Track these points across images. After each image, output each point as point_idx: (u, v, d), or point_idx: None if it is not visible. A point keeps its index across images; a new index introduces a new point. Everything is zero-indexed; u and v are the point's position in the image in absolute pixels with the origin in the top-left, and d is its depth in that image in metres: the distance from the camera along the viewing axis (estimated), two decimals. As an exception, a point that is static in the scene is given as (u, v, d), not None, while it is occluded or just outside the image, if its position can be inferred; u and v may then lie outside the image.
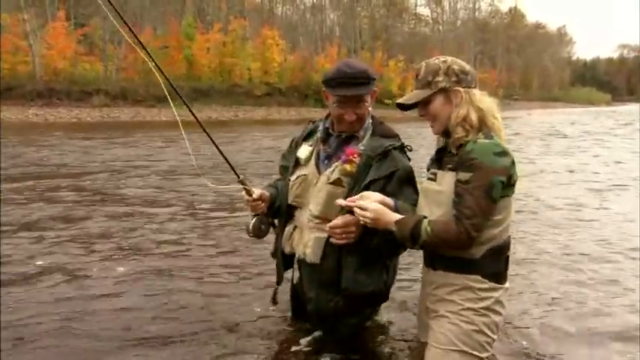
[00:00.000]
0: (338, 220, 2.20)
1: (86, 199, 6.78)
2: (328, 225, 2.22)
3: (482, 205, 1.88)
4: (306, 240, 2.42)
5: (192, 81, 37.35)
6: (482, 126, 1.98)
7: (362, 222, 2.09)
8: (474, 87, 2.03)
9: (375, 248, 2.24)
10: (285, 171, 2.64)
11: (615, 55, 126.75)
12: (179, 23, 40.94)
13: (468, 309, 1.99)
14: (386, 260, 2.42)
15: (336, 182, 2.31)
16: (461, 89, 1.99)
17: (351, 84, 2.29)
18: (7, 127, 20.13)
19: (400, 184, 2.29)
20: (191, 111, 2.53)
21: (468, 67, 2.04)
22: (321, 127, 2.53)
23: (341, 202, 2.19)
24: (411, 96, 2.07)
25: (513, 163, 1.95)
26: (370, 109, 2.44)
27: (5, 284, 3.55)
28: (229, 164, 2.57)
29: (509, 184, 1.94)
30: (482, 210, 1.88)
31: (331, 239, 2.24)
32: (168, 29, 40.80)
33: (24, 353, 2.66)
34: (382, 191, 2.23)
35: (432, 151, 2.17)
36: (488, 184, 1.87)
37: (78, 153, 12.43)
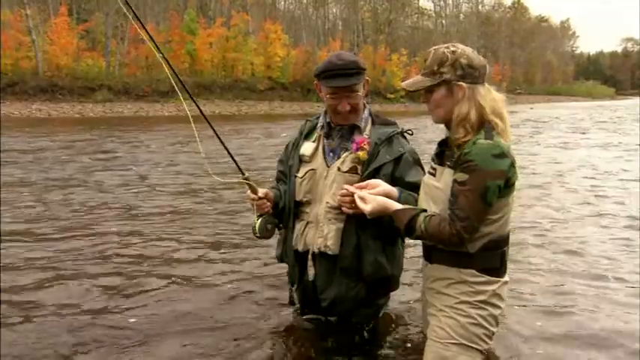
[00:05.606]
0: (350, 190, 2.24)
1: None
2: (340, 192, 2.26)
3: (476, 208, 1.85)
4: (326, 232, 2.41)
5: (195, 76, 37.38)
6: (485, 124, 1.92)
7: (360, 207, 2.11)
8: (481, 82, 1.96)
9: (392, 231, 2.25)
10: (284, 176, 2.64)
11: (619, 49, 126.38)
12: (181, 18, 40.91)
13: (464, 302, 1.98)
14: (400, 246, 2.51)
15: (352, 170, 2.37)
16: (464, 85, 1.92)
17: (342, 75, 2.33)
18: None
19: (408, 166, 2.39)
20: (199, 108, 2.52)
21: (477, 61, 1.94)
22: (321, 122, 2.55)
23: (348, 187, 2.23)
24: (415, 82, 2.03)
25: (513, 164, 1.89)
26: (365, 101, 2.49)
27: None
28: (234, 161, 2.51)
29: (507, 186, 1.90)
30: (475, 213, 1.86)
31: (342, 208, 2.28)
32: (171, 24, 40.77)
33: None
34: (392, 174, 2.34)
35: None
36: (484, 188, 1.84)
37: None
